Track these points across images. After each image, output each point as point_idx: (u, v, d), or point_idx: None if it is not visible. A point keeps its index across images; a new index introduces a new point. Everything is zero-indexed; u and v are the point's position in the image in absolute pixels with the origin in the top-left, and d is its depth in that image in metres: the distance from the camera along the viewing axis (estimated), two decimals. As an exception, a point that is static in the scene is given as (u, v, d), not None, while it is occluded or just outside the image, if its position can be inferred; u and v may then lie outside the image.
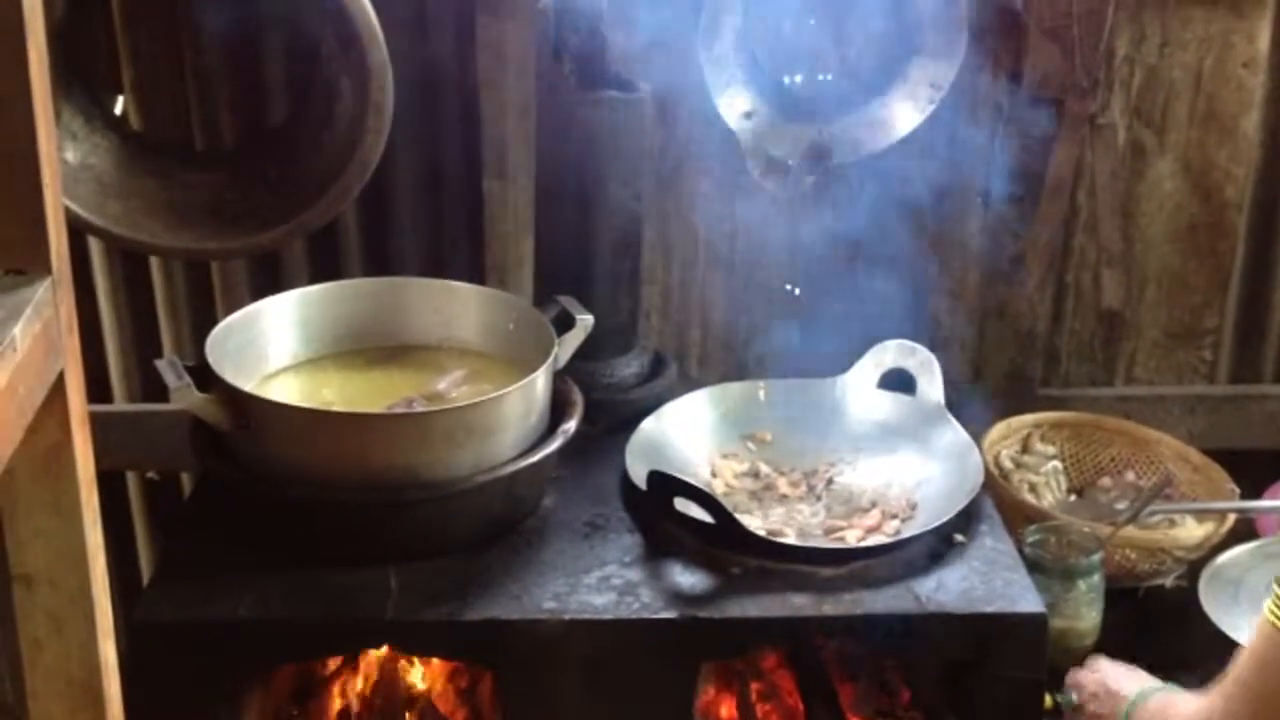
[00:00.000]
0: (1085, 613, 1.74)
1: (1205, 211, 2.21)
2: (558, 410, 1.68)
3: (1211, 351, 2.31)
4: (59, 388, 0.93)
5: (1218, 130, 2.16)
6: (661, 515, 1.65)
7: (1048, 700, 1.60)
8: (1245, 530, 1.97)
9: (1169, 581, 1.91)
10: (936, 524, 1.63)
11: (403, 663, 1.71)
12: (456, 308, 1.84)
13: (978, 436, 1.84)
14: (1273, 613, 1.18)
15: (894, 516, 1.69)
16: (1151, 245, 2.23)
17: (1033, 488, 2.03)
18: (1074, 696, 1.62)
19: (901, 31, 2.04)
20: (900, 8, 2.03)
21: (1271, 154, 2.19)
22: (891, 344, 1.89)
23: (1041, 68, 2.06)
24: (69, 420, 0.94)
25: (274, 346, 1.77)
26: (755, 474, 1.81)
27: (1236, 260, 2.26)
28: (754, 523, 1.66)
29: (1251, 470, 2.10)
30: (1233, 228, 2.23)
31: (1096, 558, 1.73)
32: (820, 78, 2.12)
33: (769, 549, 1.60)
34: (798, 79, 2.11)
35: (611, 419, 1.83)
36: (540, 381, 1.62)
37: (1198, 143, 2.17)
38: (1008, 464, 2.06)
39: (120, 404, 2.22)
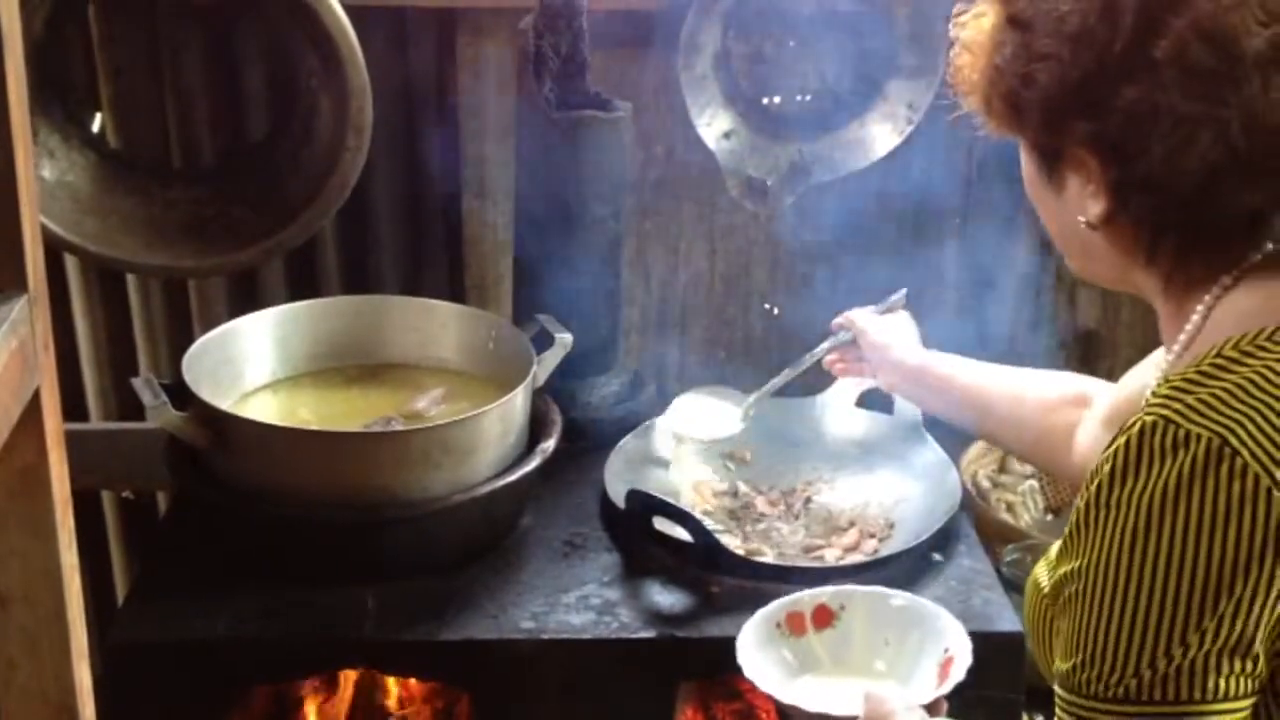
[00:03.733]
0: (1063, 632, 1.74)
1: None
2: (536, 429, 1.68)
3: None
4: (34, 406, 0.92)
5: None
6: (640, 534, 1.64)
7: (1025, 719, 1.61)
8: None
9: (1145, 600, 1.92)
10: (914, 543, 1.63)
11: (380, 683, 1.70)
12: (435, 326, 1.84)
13: (955, 456, 1.84)
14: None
15: (872, 535, 1.69)
16: (1127, 265, 2.24)
17: (1010, 507, 2.03)
18: None
19: (879, 53, 2.06)
20: (878, 29, 2.04)
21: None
22: (870, 364, 1.89)
23: (1018, 89, 2.07)
24: (44, 439, 0.94)
25: (251, 365, 1.77)
26: (734, 493, 1.81)
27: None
28: (733, 542, 1.66)
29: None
30: (1208, 248, 2.24)
31: (1074, 577, 1.73)
32: (799, 98, 2.13)
33: (748, 568, 1.60)
34: (777, 99, 2.12)
35: (590, 438, 1.83)
36: (519, 400, 1.62)
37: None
38: (985, 483, 2.07)
39: (96, 422, 2.21)
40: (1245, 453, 0.93)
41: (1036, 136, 1.11)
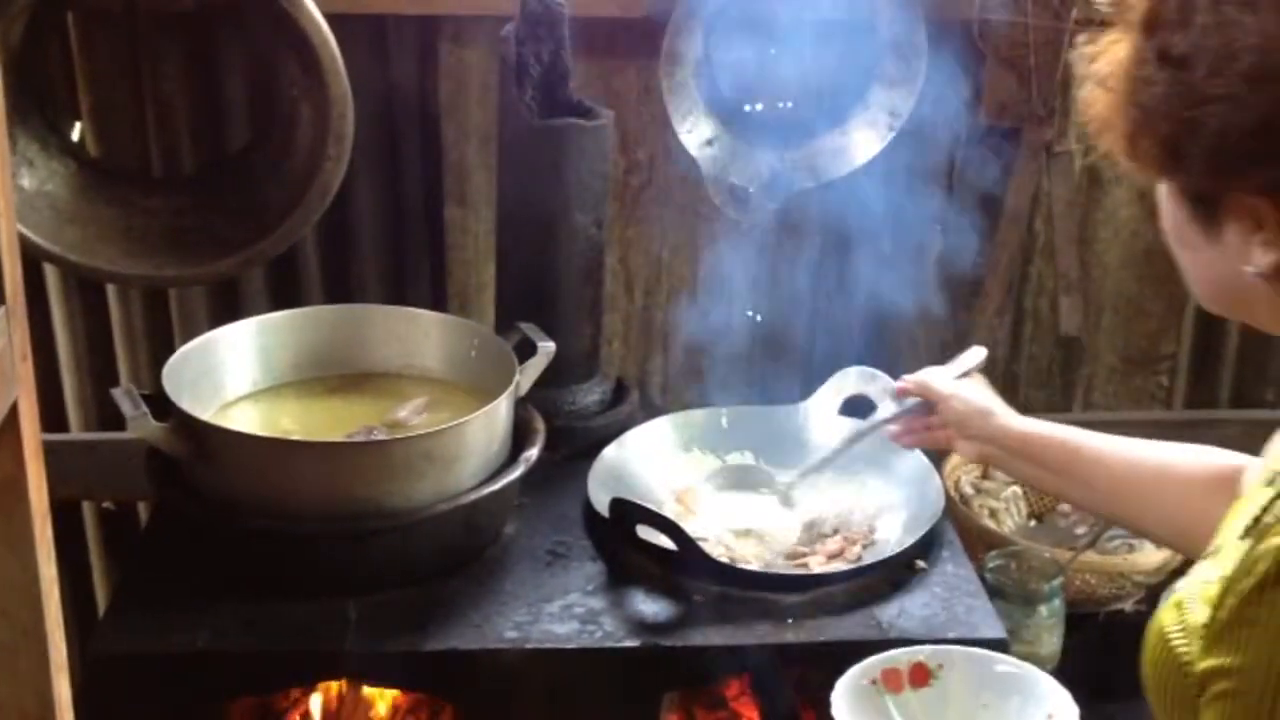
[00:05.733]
0: (1046, 638, 1.74)
1: (1161, 239, 2.23)
2: (519, 438, 1.67)
3: (1168, 377, 2.33)
4: (12, 417, 0.92)
5: (1173, 158, 2.18)
6: (624, 543, 1.64)
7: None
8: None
9: (1129, 606, 1.92)
10: (898, 550, 1.63)
11: (362, 694, 1.69)
12: (417, 335, 1.84)
13: (938, 462, 1.84)
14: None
15: (856, 543, 1.69)
16: (1108, 272, 2.26)
17: (993, 513, 2.03)
18: None
19: (861, 60, 2.06)
20: (860, 37, 2.04)
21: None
22: (852, 370, 1.89)
23: (999, 96, 2.08)
24: (22, 451, 0.93)
25: (232, 375, 1.76)
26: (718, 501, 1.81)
27: (1192, 287, 2.28)
28: (716, 550, 1.66)
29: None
30: (1188, 255, 2.25)
31: (1057, 583, 1.74)
32: (781, 105, 2.13)
33: (732, 576, 1.60)
34: (759, 106, 2.12)
35: (574, 446, 1.83)
36: (502, 409, 1.62)
37: (1153, 171, 2.19)
38: (968, 490, 2.07)
39: (76, 433, 2.19)
40: None
41: (1194, 183, 1.00)
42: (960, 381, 1.68)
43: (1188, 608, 1.00)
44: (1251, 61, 0.91)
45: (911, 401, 1.70)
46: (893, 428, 1.73)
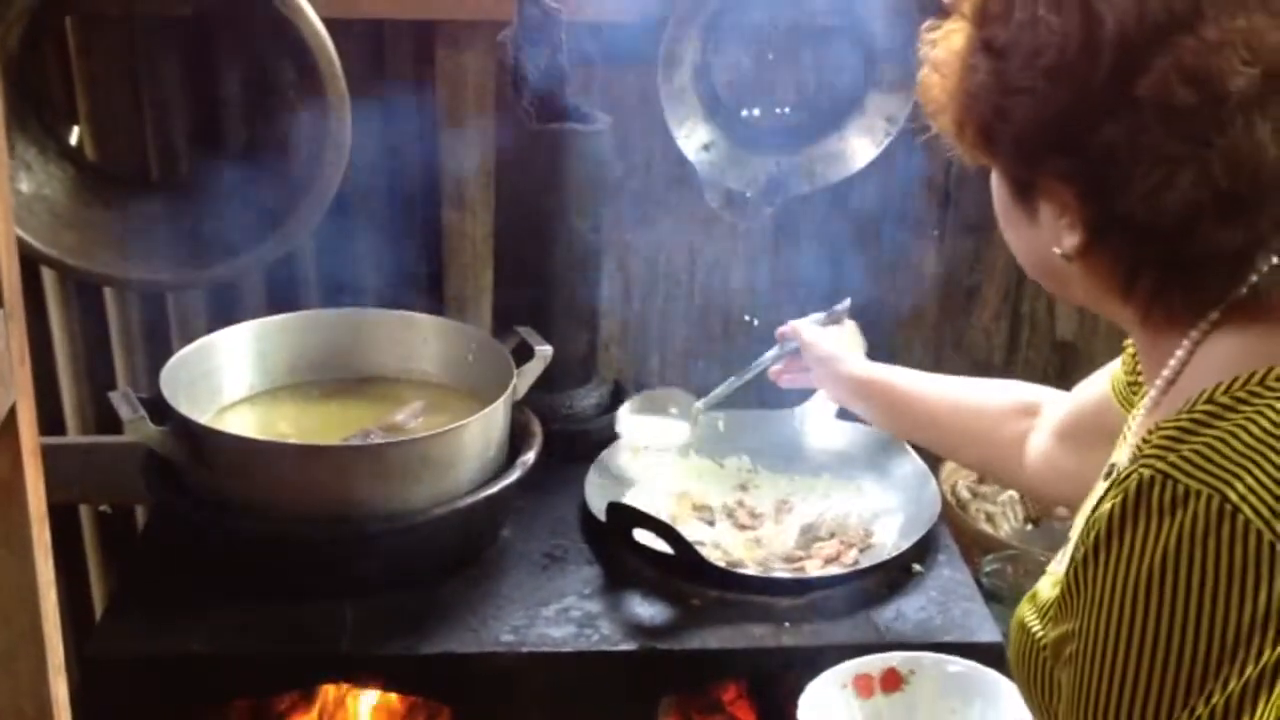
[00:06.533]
0: (1042, 642, 1.75)
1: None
2: (516, 441, 1.68)
3: (1163, 381, 2.33)
4: (10, 421, 0.92)
5: (1168, 164, 2.19)
6: (621, 546, 1.64)
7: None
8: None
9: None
10: (895, 554, 1.64)
11: (359, 697, 1.69)
12: (415, 339, 1.84)
13: (934, 466, 1.85)
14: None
15: (852, 546, 1.70)
16: (1105, 277, 2.26)
17: (989, 517, 2.04)
18: None
19: (858, 65, 2.07)
20: (857, 42, 2.05)
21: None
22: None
23: (996, 102, 2.08)
24: (20, 454, 0.93)
25: (230, 378, 1.76)
26: (714, 505, 1.81)
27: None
28: (713, 554, 1.66)
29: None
30: (1184, 259, 2.26)
31: (1053, 587, 1.74)
32: (778, 111, 2.14)
33: (728, 580, 1.60)
34: (756, 112, 2.13)
35: (571, 450, 1.83)
36: (499, 413, 1.62)
37: (1149, 176, 2.20)
38: (965, 493, 2.07)
39: (73, 436, 2.19)
40: (1246, 508, 0.89)
41: (1009, 166, 1.08)
42: (824, 329, 1.80)
43: (1040, 593, 1.10)
44: (1052, 58, 0.97)
45: (790, 344, 1.80)
46: (776, 368, 1.82)
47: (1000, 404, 1.58)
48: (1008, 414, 1.56)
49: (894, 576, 1.64)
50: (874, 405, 1.71)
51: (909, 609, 1.59)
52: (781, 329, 1.82)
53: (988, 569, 1.76)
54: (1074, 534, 1.12)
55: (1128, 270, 1.04)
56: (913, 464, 1.80)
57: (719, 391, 1.83)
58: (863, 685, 1.39)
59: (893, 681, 1.40)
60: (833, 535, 1.73)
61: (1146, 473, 0.94)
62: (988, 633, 1.54)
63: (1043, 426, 1.51)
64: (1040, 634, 1.07)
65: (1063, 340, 2.27)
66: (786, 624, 1.55)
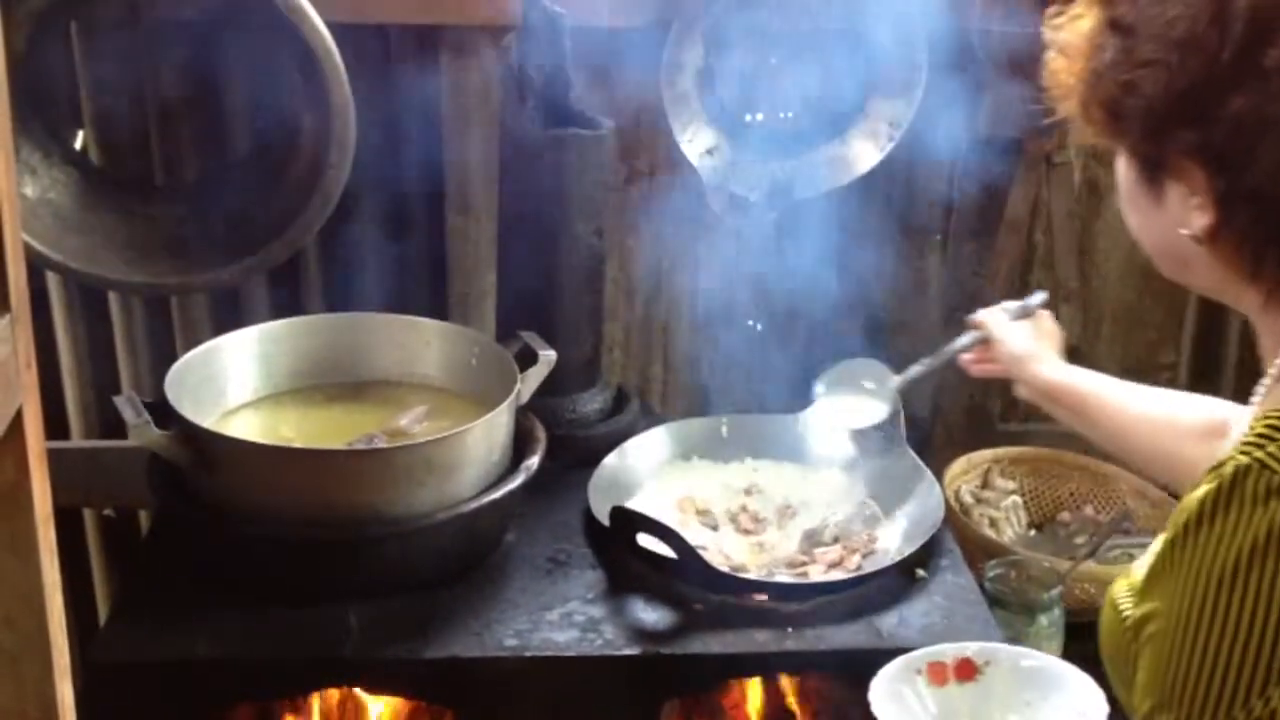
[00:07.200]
0: (1045, 647, 1.74)
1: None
2: (520, 446, 1.68)
3: (1168, 387, 2.33)
4: (16, 425, 0.92)
5: (1172, 169, 2.19)
6: (624, 551, 1.64)
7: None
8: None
9: (1128, 615, 1.92)
10: (898, 559, 1.64)
11: (362, 702, 1.69)
12: (419, 343, 1.84)
13: (938, 471, 1.85)
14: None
15: (856, 551, 1.70)
16: (1108, 282, 2.26)
17: (993, 523, 2.04)
18: None
19: (861, 70, 2.07)
20: (859, 46, 2.05)
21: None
22: (857, 361, 1.89)
23: (999, 107, 2.08)
24: (26, 458, 0.93)
25: (234, 383, 1.76)
26: (718, 509, 1.81)
27: (1191, 296, 2.29)
28: (717, 559, 1.66)
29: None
30: (1187, 265, 2.26)
31: (1056, 592, 1.74)
32: (781, 115, 2.14)
33: (732, 584, 1.60)
34: (759, 116, 2.13)
35: (574, 455, 1.83)
36: (503, 417, 1.62)
37: (1152, 181, 2.20)
38: (968, 499, 2.07)
39: (78, 440, 2.20)
40: None
41: (1137, 144, 1.08)
42: (1017, 324, 1.73)
43: (1133, 571, 1.10)
44: (1183, 31, 0.99)
45: (977, 334, 1.75)
46: (967, 357, 1.78)
47: (1190, 421, 1.52)
48: (1197, 432, 1.50)
49: (897, 582, 1.64)
50: (1063, 411, 1.65)
51: (912, 614, 1.59)
52: (972, 316, 1.79)
53: (991, 574, 1.75)
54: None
55: (1255, 251, 1.04)
56: (916, 469, 1.80)
57: (914, 371, 1.80)
58: (936, 673, 1.39)
59: (967, 671, 1.40)
60: (836, 540, 1.73)
61: (1244, 460, 0.95)
62: (990, 638, 1.54)
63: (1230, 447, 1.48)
64: (1127, 611, 1.08)
65: (1066, 346, 2.26)
66: (790, 629, 1.55)
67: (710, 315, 2.24)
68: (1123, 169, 1.12)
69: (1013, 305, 1.77)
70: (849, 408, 1.83)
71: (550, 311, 1.87)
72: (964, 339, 1.78)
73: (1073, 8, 1.09)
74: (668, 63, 1.97)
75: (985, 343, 1.75)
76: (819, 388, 1.84)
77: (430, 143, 2.08)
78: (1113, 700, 1.30)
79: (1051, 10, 1.12)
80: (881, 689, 1.35)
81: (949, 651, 1.41)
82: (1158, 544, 1.05)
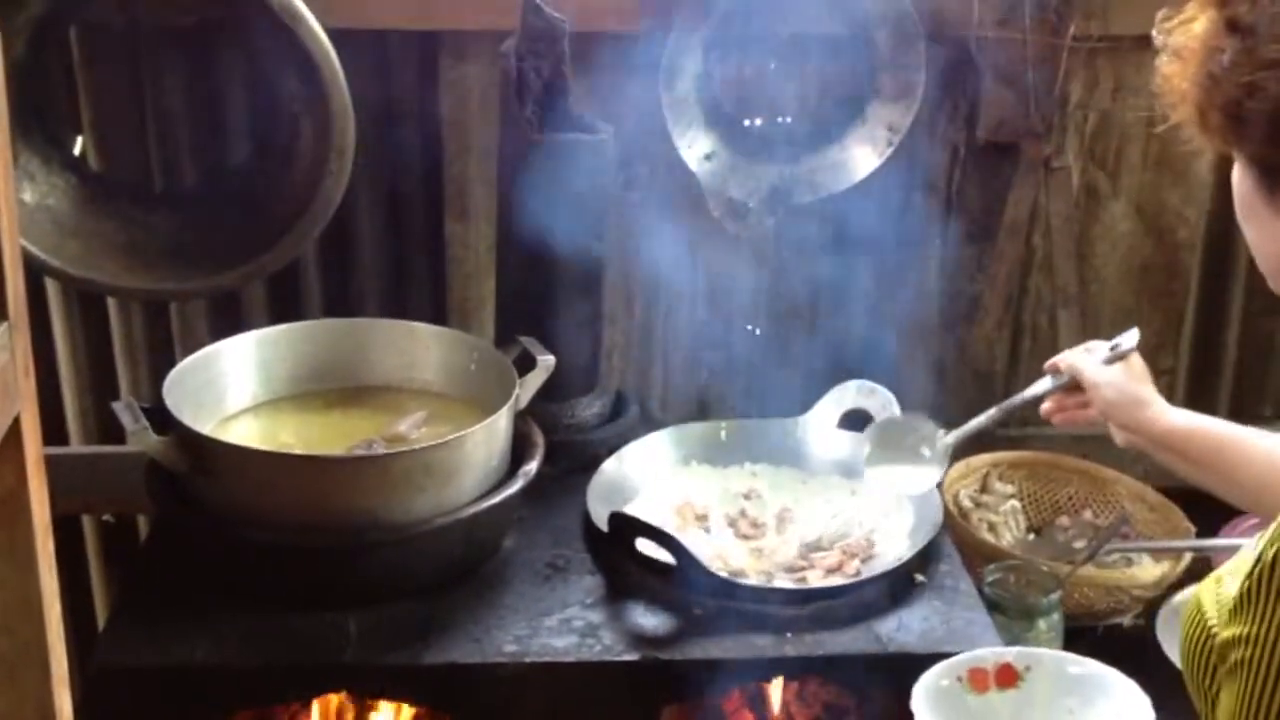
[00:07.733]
0: (1045, 651, 1.75)
1: (1159, 253, 2.25)
2: (519, 451, 1.68)
3: (1167, 391, 2.32)
4: (14, 432, 0.92)
5: (1170, 173, 2.20)
6: (623, 556, 1.64)
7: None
8: (1201, 569, 1.98)
9: (1127, 620, 1.92)
10: (897, 564, 1.64)
11: (362, 708, 1.69)
12: (417, 349, 1.84)
13: (937, 477, 1.84)
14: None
15: (854, 556, 1.70)
16: (1106, 286, 2.26)
17: (992, 527, 2.04)
18: None
19: (860, 75, 2.07)
20: (858, 52, 2.05)
21: (1223, 196, 2.23)
22: (852, 384, 1.90)
23: (997, 112, 2.08)
24: (24, 465, 0.93)
25: (233, 388, 1.76)
26: (716, 514, 1.81)
27: (1190, 300, 2.29)
28: (715, 564, 1.66)
29: (1207, 509, 2.11)
30: (1186, 269, 2.26)
31: (1055, 597, 1.74)
32: (780, 120, 2.14)
33: (731, 590, 1.60)
34: (758, 122, 2.13)
35: (573, 460, 1.83)
36: (501, 423, 1.62)
37: (1151, 185, 2.20)
38: (967, 503, 2.07)
39: (77, 446, 2.20)
40: None
41: (1259, 151, 1.03)
42: (1112, 367, 1.64)
43: (1224, 581, 1.02)
44: None
45: (1062, 379, 1.68)
46: (1047, 405, 1.71)
47: None
48: None
49: (896, 587, 1.64)
50: (1184, 459, 1.54)
51: (911, 619, 1.59)
52: (1053, 361, 1.70)
53: (990, 579, 1.75)
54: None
55: None
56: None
57: (972, 426, 1.73)
58: (977, 679, 1.37)
59: (1008, 677, 1.38)
60: (835, 545, 1.73)
61: None
62: (990, 643, 1.54)
63: None
64: (1214, 626, 1.00)
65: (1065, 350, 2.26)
66: (788, 634, 1.55)
67: (709, 320, 2.24)
68: (1238, 178, 1.08)
69: (1100, 346, 1.68)
70: (900, 476, 1.77)
71: (549, 317, 1.87)
72: (1040, 386, 1.70)
73: (1185, 9, 1.05)
74: (666, 68, 1.97)
75: (1067, 389, 1.67)
76: (865, 448, 1.77)
77: (429, 148, 2.09)
78: (1159, 705, 1.29)
79: (1161, 13, 1.07)
80: (922, 696, 1.34)
81: (989, 657, 1.39)
82: (1252, 551, 0.98)
